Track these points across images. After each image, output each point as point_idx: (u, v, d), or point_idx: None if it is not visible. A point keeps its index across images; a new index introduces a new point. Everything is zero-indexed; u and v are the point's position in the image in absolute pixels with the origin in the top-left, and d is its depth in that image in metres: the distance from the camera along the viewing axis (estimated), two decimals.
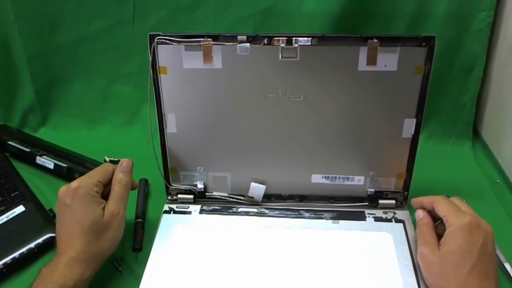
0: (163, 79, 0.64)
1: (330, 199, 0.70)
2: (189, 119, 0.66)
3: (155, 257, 0.62)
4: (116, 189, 0.60)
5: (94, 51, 0.86)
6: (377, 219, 0.68)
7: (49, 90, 0.90)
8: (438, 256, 0.55)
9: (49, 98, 0.91)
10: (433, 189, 0.73)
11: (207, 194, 0.71)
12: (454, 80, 0.84)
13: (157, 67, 0.63)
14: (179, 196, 0.71)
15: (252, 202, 0.71)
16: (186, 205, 0.70)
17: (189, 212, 0.69)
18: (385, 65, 0.61)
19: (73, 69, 0.88)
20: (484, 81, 0.84)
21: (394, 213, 0.68)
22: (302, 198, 0.71)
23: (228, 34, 0.61)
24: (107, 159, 0.82)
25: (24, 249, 0.63)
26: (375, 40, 0.60)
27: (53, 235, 0.65)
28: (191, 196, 0.71)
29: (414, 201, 0.65)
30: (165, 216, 0.69)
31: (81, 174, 0.61)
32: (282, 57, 0.61)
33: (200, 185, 0.70)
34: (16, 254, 0.63)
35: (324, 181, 0.70)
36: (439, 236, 0.58)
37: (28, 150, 0.82)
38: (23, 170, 0.79)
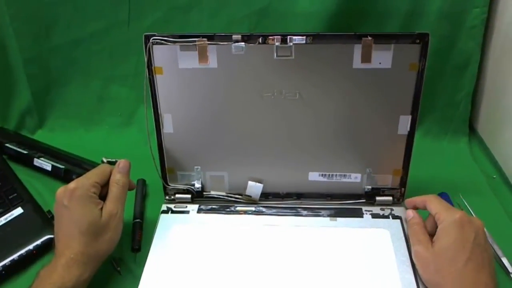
0: (159, 79, 0.64)
1: (327, 196, 0.71)
2: (186, 119, 0.66)
3: (154, 257, 0.62)
4: (114, 190, 0.60)
5: (90, 53, 0.87)
6: (374, 215, 0.68)
7: (45, 92, 0.90)
8: (432, 253, 0.56)
9: (46, 100, 0.91)
10: (430, 186, 0.74)
11: (204, 193, 0.71)
12: (449, 77, 0.84)
13: (153, 67, 0.63)
14: (177, 196, 0.71)
15: (250, 201, 0.71)
16: (184, 205, 0.71)
17: (187, 212, 0.69)
18: (380, 63, 0.61)
19: (69, 70, 0.88)
20: (479, 78, 0.85)
21: (391, 209, 0.69)
22: (299, 196, 0.71)
23: (223, 34, 0.61)
24: (105, 160, 0.82)
25: (22, 251, 0.63)
26: (369, 38, 0.60)
27: (52, 236, 0.65)
28: (189, 196, 0.71)
29: (407, 201, 0.66)
30: (163, 216, 0.69)
31: (79, 175, 0.61)
32: (277, 56, 0.61)
33: (197, 185, 0.71)
34: (15, 256, 0.63)
35: (321, 178, 0.70)
36: (430, 234, 0.59)
37: (25, 152, 0.82)
38: (21, 172, 0.80)
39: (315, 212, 0.69)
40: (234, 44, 0.61)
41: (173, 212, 0.70)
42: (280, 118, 0.65)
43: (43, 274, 0.54)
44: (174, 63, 0.63)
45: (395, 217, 0.67)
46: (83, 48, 0.86)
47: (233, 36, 0.61)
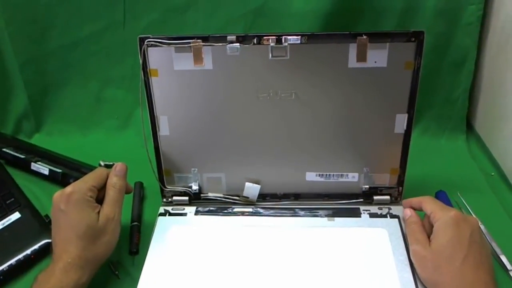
0: (154, 81, 0.64)
1: (325, 196, 0.71)
2: (182, 121, 0.66)
3: (152, 260, 0.62)
4: (111, 193, 0.60)
5: (86, 55, 0.87)
6: (372, 215, 0.68)
7: (42, 96, 0.90)
8: (430, 251, 0.56)
9: (43, 104, 0.91)
10: (428, 184, 0.74)
11: (202, 195, 0.71)
12: (446, 74, 0.84)
13: (148, 69, 0.63)
14: (174, 198, 0.71)
15: (247, 202, 0.71)
16: (182, 207, 0.70)
17: (185, 214, 0.69)
18: (375, 61, 0.61)
19: (65, 74, 0.88)
20: (476, 75, 0.85)
21: (389, 208, 0.69)
22: (297, 196, 0.71)
23: (217, 35, 0.61)
24: (102, 163, 0.82)
25: (20, 256, 0.63)
26: (364, 37, 0.60)
27: (49, 241, 0.64)
28: (186, 198, 0.71)
29: (404, 203, 0.66)
30: (160, 218, 0.69)
31: (76, 179, 0.61)
32: (272, 56, 0.61)
33: (194, 187, 0.70)
34: (12, 261, 0.63)
35: (319, 179, 0.70)
36: (427, 234, 0.59)
37: (22, 156, 0.82)
38: (18, 177, 0.80)
39: (312, 213, 0.69)
40: (229, 45, 0.61)
41: (170, 214, 0.69)
42: (276, 118, 0.65)
43: (41, 278, 0.54)
44: (169, 65, 0.63)
45: (393, 216, 0.67)
46: (79, 51, 0.86)
47: (228, 37, 0.61)
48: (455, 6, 0.79)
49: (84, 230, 0.56)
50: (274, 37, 0.60)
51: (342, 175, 0.69)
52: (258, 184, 0.70)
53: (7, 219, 0.69)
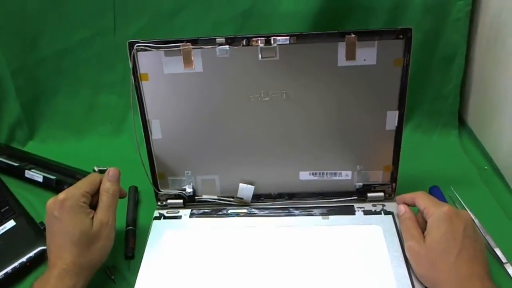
0: (145, 85, 0.64)
1: (319, 195, 0.71)
2: (174, 124, 0.66)
3: (147, 264, 0.62)
4: (104, 199, 0.60)
5: (77, 62, 0.86)
6: (367, 212, 0.68)
7: (34, 103, 0.90)
8: (425, 247, 0.56)
9: (35, 111, 0.91)
10: (421, 180, 0.74)
11: (196, 197, 0.71)
12: (437, 70, 0.84)
13: (138, 74, 0.63)
14: (169, 201, 0.71)
15: (242, 203, 0.71)
16: (176, 210, 0.71)
17: (179, 217, 0.69)
18: (364, 59, 0.61)
19: (57, 81, 0.88)
20: (466, 70, 0.85)
21: (383, 205, 0.69)
22: (291, 196, 0.71)
23: (206, 38, 0.61)
24: (96, 169, 0.82)
25: (16, 263, 0.63)
26: (353, 35, 0.60)
27: (45, 248, 0.64)
28: (181, 201, 0.71)
29: (398, 199, 0.66)
30: (155, 222, 0.69)
31: (70, 185, 0.61)
32: (261, 57, 0.61)
33: (189, 189, 0.71)
34: (8, 269, 0.63)
35: (312, 177, 0.70)
36: (421, 230, 0.59)
37: (16, 164, 0.82)
38: (13, 185, 0.79)
39: (307, 211, 0.69)
40: (218, 48, 0.61)
41: (165, 218, 0.70)
42: (268, 119, 0.66)
43: (36, 285, 0.54)
44: (159, 69, 0.63)
45: (387, 212, 0.68)
46: (70, 57, 0.86)
47: (217, 39, 0.61)
48: (444, 2, 0.79)
49: (78, 236, 0.56)
50: (263, 38, 0.61)
51: (335, 174, 0.70)
52: (252, 185, 0.70)
53: (2, 227, 0.69)
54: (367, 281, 0.58)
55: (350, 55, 0.61)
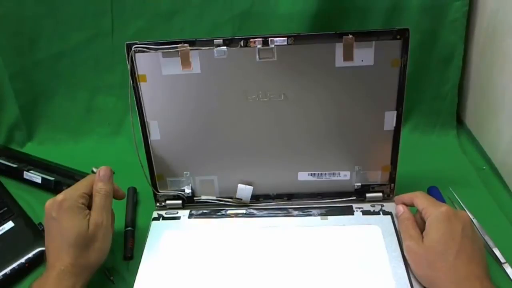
0: (143, 87, 0.64)
1: (318, 195, 0.71)
2: (172, 125, 0.67)
3: (146, 265, 0.62)
4: (97, 200, 0.59)
5: (75, 64, 0.87)
6: (365, 212, 0.68)
7: (33, 105, 0.90)
8: (423, 247, 0.56)
9: (34, 113, 0.91)
10: (420, 180, 0.74)
11: (195, 198, 0.71)
12: (435, 71, 0.85)
13: (137, 75, 0.63)
14: (168, 202, 0.71)
15: (241, 204, 0.71)
16: (175, 211, 0.71)
17: (178, 218, 0.69)
18: (362, 60, 0.62)
19: (55, 83, 0.88)
20: (464, 70, 0.85)
21: (382, 205, 0.69)
22: (290, 196, 0.71)
23: (204, 39, 0.61)
24: (95, 170, 0.81)
25: (15, 265, 0.63)
26: (350, 36, 0.60)
27: (43, 249, 0.64)
28: (180, 202, 0.71)
29: (396, 199, 0.67)
30: (154, 223, 0.69)
31: (69, 186, 0.61)
32: (259, 58, 0.62)
33: (187, 190, 0.71)
34: (7, 270, 0.63)
35: (311, 178, 0.70)
36: (420, 230, 0.59)
37: (15, 165, 0.82)
38: (11, 186, 0.79)
39: (306, 212, 0.69)
40: (216, 49, 0.61)
41: (164, 218, 0.70)
42: (266, 119, 0.66)
43: (35, 287, 0.54)
44: (157, 70, 0.63)
45: (385, 213, 0.68)
46: (68, 60, 0.86)
47: (215, 40, 0.61)
48: (441, 2, 0.79)
49: (75, 238, 0.56)
50: (260, 39, 0.61)
51: (334, 174, 0.70)
52: (251, 185, 0.70)
53: (0, 228, 0.69)
54: (365, 281, 0.58)
55: (348, 56, 0.61)
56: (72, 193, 0.58)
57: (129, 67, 0.62)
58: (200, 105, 0.65)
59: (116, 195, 0.64)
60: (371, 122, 0.66)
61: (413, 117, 0.88)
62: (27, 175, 0.80)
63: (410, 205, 0.63)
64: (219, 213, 0.70)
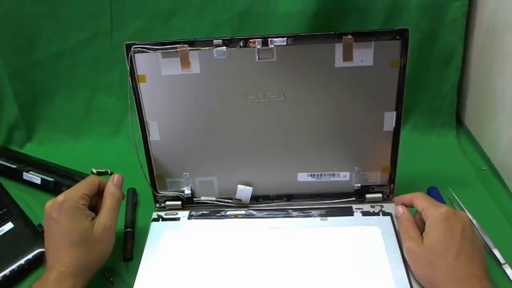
0: (142, 87, 0.64)
1: (317, 196, 0.71)
2: (172, 125, 0.66)
3: (146, 266, 0.62)
4: (109, 202, 0.60)
5: (74, 64, 0.86)
6: (365, 213, 0.68)
7: (32, 106, 0.90)
8: (423, 248, 0.56)
9: (33, 113, 0.91)
10: (419, 180, 0.74)
11: (194, 199, 0.71)
12: (434, 71, 0.85)
13: (136, 75, 0.63)
14: (167, 203, 0.71)
15: (240, 205, 0.71)
16: (175, 212, 0.71)
17: (178, 219, 0.69)
18: (361, 60, 0.61)
19: (54, 83, 0.88)
20: (464, 70, 0.85)
21: (382, 206, 0.69)
22: (289, 197, 0.71)
23: (204, 39, 0.61)
24: (94, 170, 0.82)
25: (14, 266, 0.63)
26: (350, 36, 0.60)
27: (43, 250, 0.64)
28: (179, 203, 0.71)
29: (396, 200, 0.67)
30: (153, 224, 0.69)
31: (69, 187, 0.61)
32: (259, 58, 0.62)
33: (187, 191, 0.70)
34: (6, 271, 0.63)
35: (310, 179, 0.70)
36: (420, 231, 0.59)
37: (14, 166, 0.82)
38: (11, 187, 0.79)
39: (305, 213, 0.69)
40: (215, 49, 0.61)
41: (163, 219, 0.69)
42: (265, 120, 0.66)
43: None
44: (156, 71, 0.63)
45: (385, 213, 0.68)
46: (67, 60, 0.86)
47: (214, 41, 0.61)
48: (440, 2, 0.79)
49: (77, 238, 0.56)
50: (260, 39, 0.61)
51: (333, 175, 0.70)
52: (250, 186, 0.70)
53: (0, 229, 0.69)
54: (365, 282, 0.58)
55: (347, 56, 0.61)
56: (73, 194, 0.58)
57: (128, 68, 0.62)
58: (199, 105, 0.65)
59: None
60: (371, 123, 0.66)
61: (413, 117, 0.88)
62: (27, 176, 0.80)
63: (409, 206, 0.63)
64: (219, 214, 0.70)
